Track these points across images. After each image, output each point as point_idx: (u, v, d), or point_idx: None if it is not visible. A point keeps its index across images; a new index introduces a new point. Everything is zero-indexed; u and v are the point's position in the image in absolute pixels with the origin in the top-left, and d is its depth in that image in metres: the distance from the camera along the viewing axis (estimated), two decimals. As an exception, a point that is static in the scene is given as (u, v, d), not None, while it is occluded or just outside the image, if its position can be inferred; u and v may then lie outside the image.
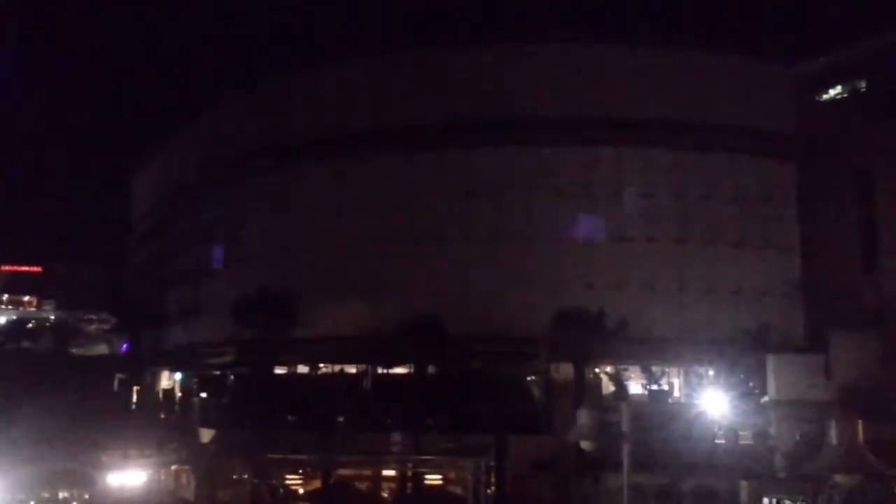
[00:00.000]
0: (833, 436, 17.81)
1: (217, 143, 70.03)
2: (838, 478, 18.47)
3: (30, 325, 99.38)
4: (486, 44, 58.65)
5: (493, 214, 56.16)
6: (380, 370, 56.81)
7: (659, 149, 56.30)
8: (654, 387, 53.91)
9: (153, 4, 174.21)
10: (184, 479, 45.23)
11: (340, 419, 49.59)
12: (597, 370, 53.96)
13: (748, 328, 46.81)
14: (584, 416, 17.61)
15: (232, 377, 60.68)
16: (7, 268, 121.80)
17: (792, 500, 31.29)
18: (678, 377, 55.89)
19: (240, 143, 66.55)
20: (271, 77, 66.61)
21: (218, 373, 63.39)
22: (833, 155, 55.71)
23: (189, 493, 44.58)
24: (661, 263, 55.72)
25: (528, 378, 53.67)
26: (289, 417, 51.41)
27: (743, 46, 59.72)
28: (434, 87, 57.80)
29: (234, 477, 45.04)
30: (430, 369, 51.01)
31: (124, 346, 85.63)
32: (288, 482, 47.12)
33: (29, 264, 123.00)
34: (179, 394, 69.46)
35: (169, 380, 76.08)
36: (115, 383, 65.60)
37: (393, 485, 47.05)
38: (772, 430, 37.13)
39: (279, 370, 56.44)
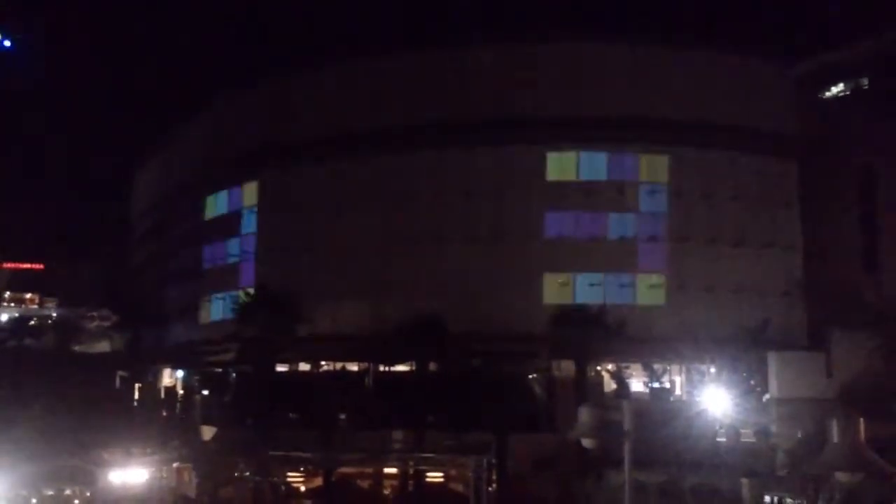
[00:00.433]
0: (834, 434, 17.79)
1: (217, 143, 70.08)
2: (840, 476, 18.47)
3: (32, 323, 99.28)
4: (485, 43, 58.72)
5: (494, 214, 56.25)
6: (381, 368, 56.93)
7: (659, 148, 56.35)
8: (656, 385, 53.96)
9: (153, 4, 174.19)
10: (186, 477, 45.33)
11: (342, 417, 49.64)
12: (598, 368, 54.09)
13: (749, 326, 46.85)
14: (585, 414, 17.63)
15: (234, 375, 60.75)
16: (9, 265, 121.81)
17: (793, 499, 31.33)
18: (680, 375, 55.98)
19: (240, 143, 66.61)
20: (271, 77, 66.65)
21: (220, 371, 63.49)
22: (834, 153, 55.73)
23: (191, 491, 44.68)
24: (662, 261, 55.81)
25: (530, 376, 53.75)
26: (290, 415, 51.50)
27: (744, 45, 59.77)
28: (434, 86, 57.90)
29: (236, 475, 45.13)
30: (432, 367, 51.08)
31: (126, 344, 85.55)
32: (290, 480, 47.24)
33: (31, 262, 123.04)
34: (181, 391, 69.51)
35: (171, 377, 76.18)
36: (117, 381, 65.59)
37: (394, 482, 47.18)
38: (773, 428, 37.21)
39: (281, 368, 56.51)
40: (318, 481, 46.66)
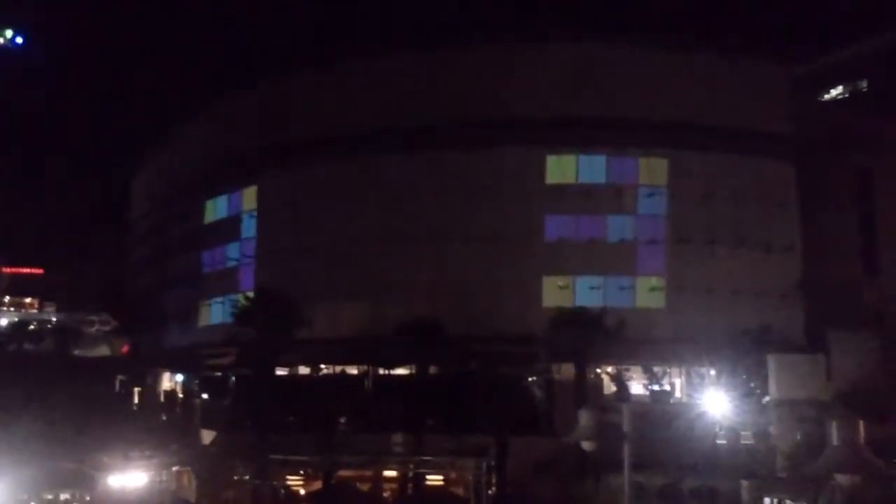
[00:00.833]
0: (834, 436, 17.83)
1: (216, 145, 70.10)
2: (839, 478, 18.52)
3: (31, 327, 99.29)
4: (485, 45, 58.73)
5: (493, 216, 56.22)
6: (380, 371, 56.87)
7: (658, 149, 56.39)
8: (656, 387, 53.95)
9: (153, 5, 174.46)
10: (185, 481, 45.26)
11: (341, 420, 49.60)
12: (598, 371, 54.03)
13: (748, 328, 46.85)
14: (585, 417, 17.69)
15: (233, 379, 60.70)
16: (8, 270, 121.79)
17: (793, 501, 31.29)
18: (679, 377, 55.94)
19: (239, 145, 66.63)
20: (271, 77, 66.67)
21: (219, 374, 63.44)
22: (833, 155, 55.79)
23: (191, 495, 44.60)
24: (661, 264, 55.82)
25: (529, 379, 53.72)
26: (290, 418, 51.42)
27: (742, 48, 59.79)
28: (433, 88, 57.91)
29: (236, 478, 45.05)
30: (431, 370, 51.06)
31: (125, 347, 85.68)
32: (289, 483, 47.16)
33: (30, 266, 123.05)
34: (181, 395, 69.46)
35: (170, 381, 76.11)
36: (117, 385, 65.53)
37: (394, 485, 47.12)
38: (773, 430, 37.21)
39: (280, 371, 56.45)
40: (318, 485, 46.59)
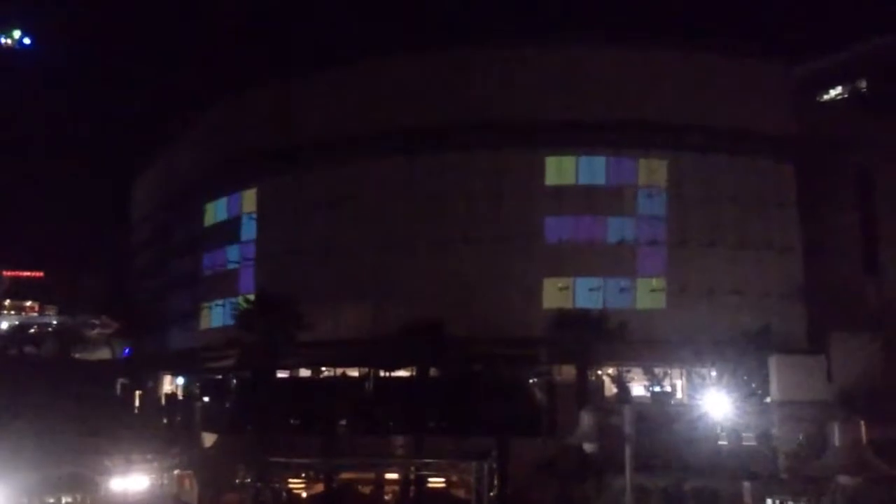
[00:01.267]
0: (836, 437, 17.75)
1: (216, 148, 70.15)
2: (842, 479, 18.42)
3: (32, 331, 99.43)
4: (484, 46, 58.77)
5: (493, 217, 56.21)
6: (382, 373, 56.85)
7: (658, 150, 56.41)
8: (657, 389, 53.85)
9: (151, 8, 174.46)
10: (187, 484, 45.24)
11: (343, 422, 49.66)
12: (599, 372, 54.01)
13: (749, 329, 46.82)
14: (586, 419, 17.66)
15: (234, 381, 60.72)
16: (9, 273, 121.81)
17: (795, 502, 31.26)
18: (680, 379, 55.88)
19: (239, 148, 66.67)
20: (270, 81, 66.74)
21: (220, 377, 63.46)
22: (833, 155, 55.74)
23: (192, 498, 44.60)
24: (662, 265, 55.81)
25: (530, 380, 53.70)
26: (291, 421, 51.48)
27: (742, 48, 59.76)
28: (433, 90, 57.95)
29: (237, 481, 44.99)
30: (432, 372, 51.05)
31: (126, 350, 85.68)
32: (291, 486, 47.12)
33: (31, 270, 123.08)
34: (182, 398, 69.48)
35: (171, 384, 76.12)
36: (118, 388, 65.59)
37: (396, 488, 47.08)
38: (774, 431, 37.16)
39: (281, 374, 56.46)
40: (320, 487, 46.58)
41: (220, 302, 67.30)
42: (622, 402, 44.43)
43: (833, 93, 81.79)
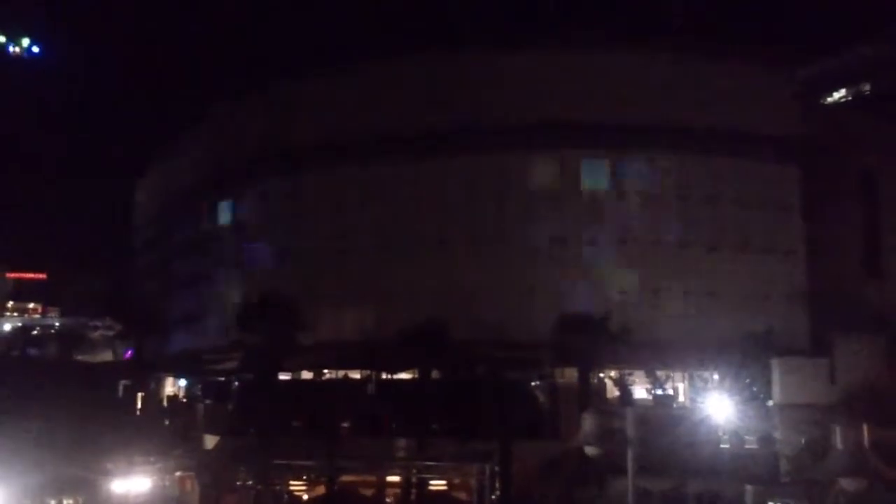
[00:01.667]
0: (838, 440, 17.75)
1: (219, 150, 70.15)
2: (844, 482, 18.44)
3: (35, 332, 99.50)
4: (488, 50, 58.74)
5: (496, 220, 56.19)
6: (384, 376, 56.78)
7: (662, 153, 56.32)
8: (659, 392, 53.79)
9: (157, 8, 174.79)
10: (188, 486, 45.32)
11: (345, 425, 49.62)
12: (601, 375, 53.91)
13: (752, 332, 46.72)
14: (588, 422, 17.66)
15: (236, 383, 60.69)
16: (12, 275, 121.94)
17: (797, 505, 31.19)
18: (683, 381, 55.79)
19: (242, 150, 66.68)
20: (273, 83, 66.71)
21: (222, 379, 63.43)
22: (837, 158, 55.66)
23: (194, 500, 44.67)
24: (665, 267, 55.71)
25: (533, 383, 53.61)
26: (293, 423, 51.43)
27: (746, 50, 59.69)
28: (437, 92, 57.90)
29: (239, 483, 45.13)
30: (434, 375, 50.99)
31: (128, 352, 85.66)
32: (292, 488, 47.18)
33: (34, 272, 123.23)
34: (184, 400, 69.46)
35: (173, 386, 76.08)
36: (120, 390, 65.52)
37: (397, 490, 47.07)
38: (777, 435, 37.07)
39: (283, 376, 56.44)
40: (321, 489, 46.59)
41: (222, 304, 67.27)
42: (624, 405, 44.38)
43: (837, 95, 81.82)
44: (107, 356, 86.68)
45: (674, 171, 56.47)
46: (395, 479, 46.91)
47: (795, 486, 31.20)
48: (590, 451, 17.89)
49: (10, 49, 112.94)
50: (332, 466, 43.97)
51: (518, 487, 43.80)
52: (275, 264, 62.56)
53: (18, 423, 39.75)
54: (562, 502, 41.61)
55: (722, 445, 39.67)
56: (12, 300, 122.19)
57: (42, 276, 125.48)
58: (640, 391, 54.48)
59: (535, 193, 56.35)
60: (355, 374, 58.49)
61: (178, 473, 44.24)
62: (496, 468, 42.36)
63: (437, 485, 46.28)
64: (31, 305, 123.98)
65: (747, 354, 44.26)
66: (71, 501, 37.60)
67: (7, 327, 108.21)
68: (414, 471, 45.01)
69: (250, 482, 44.61)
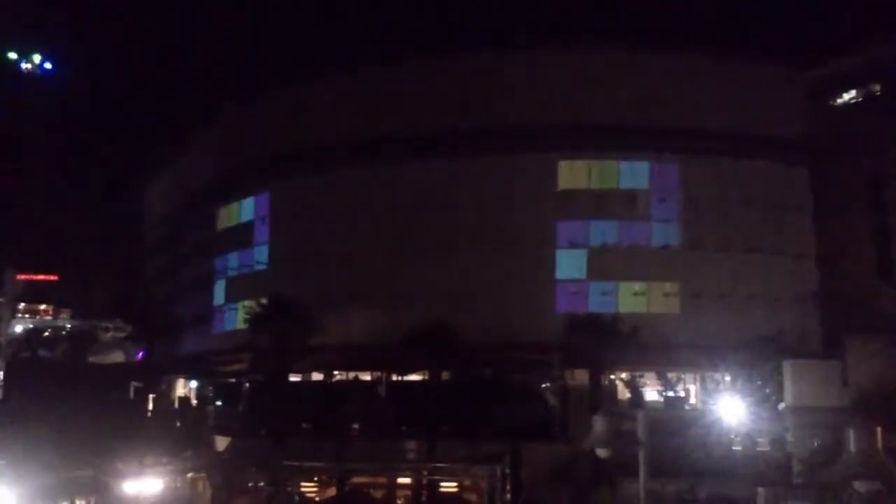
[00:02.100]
0: (851, 443, 17.66)
1: (228, 154, 70.42)
2: (857, 485, 18.32)
3: (46, 334, 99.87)
4: (496, 52, 58.86)
5: (504, 222, 56.26)
6: (394, 377, 56.88)
7: (670, 155, 56.26)
8: (670, 394, 53.70)
9: (168, 10, 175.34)
10: (200, 487, 45.39)
11: (355, 426, 49.67)
12: (612, 377, 53.86)
13: (763, 334, 46.60)
14: (599, 424, 17.60)
15: (247, 385, 60.86)
16: (23, 276, 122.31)
17: (809, 508, 31.05)
18: (694, 383, 55.71)
19: (251, 153, 66.95)
20: (281, 87, 66.94)
21: (233, 380, 63.62)
22: (847, 159, 55.50)
23: (205, 501, 44.74)
24: (674, 269, 55.65)
25: (543, 385, 53.59)
26: (303, 425, 51.53)
27: (754, 52, 59.62)
28: (443, 95, 58.09)
29: (250, 484, 45.18)
30: (445, 376, 51.03)
31: (140, 354, 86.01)
32: (303, 490, 47.23)
33: (45, 273, 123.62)
34: (195, 401, 69.68)
35: (184, 388, 76.37)
36: (131, 391, 65.76)
37: (408, 492, 47.10)
38: (789, 437, 36.90)
39: (294, 378, 56.58)
40: (332, 491, 46.66)
41: (232, 306, 67.50)
42: (635, 406, 44.35)
43: (846, 97, 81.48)
44: (118, 358, 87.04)
45: (682, 173, 56.41)
46: (405, 480, 46.94)
47: (808, 488, 31.01)
48: (601, 453, 17.82)
49: (23, 65, 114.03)
50: (343, 468, 44.01)
51: (529, 490, 43.77)
52: (284, 266, 62.73)
53: (30, 424, 39.91)
54: (572, 504, 41.59)
55: (733, 448, 39.60)
56: (23, 302, 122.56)
57: (53, 277, 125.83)
58: (651, 393, 54.44)
59: (544, 196, 56.36)
60: (365, 376, 58.62)
61: (189, 475, 44.28)
62: (507, 470, 42.31)
63: (448, 487, 46.26)
64: (43, 307, 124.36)
65: (759, 356, 44.13)
66: (83, 503, 37.69)
67: (18, 329, 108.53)
68: (424, 472, 45.01)
69: (261, 484, 44.65)
